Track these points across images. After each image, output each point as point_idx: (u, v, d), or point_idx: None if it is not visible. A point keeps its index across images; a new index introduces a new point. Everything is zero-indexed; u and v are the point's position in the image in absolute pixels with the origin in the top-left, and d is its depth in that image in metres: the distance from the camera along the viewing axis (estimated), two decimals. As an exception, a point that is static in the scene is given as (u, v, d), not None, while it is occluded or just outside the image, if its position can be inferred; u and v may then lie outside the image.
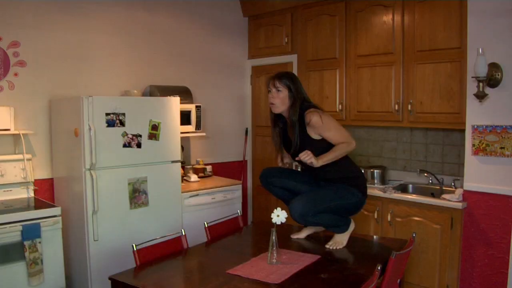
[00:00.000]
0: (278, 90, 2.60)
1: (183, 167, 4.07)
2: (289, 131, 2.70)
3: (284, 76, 2.63)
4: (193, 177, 4.07)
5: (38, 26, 3.45)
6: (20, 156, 3.29)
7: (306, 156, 2.45)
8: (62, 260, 3.00)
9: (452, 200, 3.19)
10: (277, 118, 2.73)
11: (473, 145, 3.12)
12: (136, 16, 4.06)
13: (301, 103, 2.61)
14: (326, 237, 2.75)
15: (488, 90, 2.98)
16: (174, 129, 3.52)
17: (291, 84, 2.60)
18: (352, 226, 2.70)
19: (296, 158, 2.52)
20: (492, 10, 2.99)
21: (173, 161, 3.53)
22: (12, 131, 3.24)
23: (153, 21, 4.17)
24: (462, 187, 3.26)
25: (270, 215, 2.29)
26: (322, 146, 2.56)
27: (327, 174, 2.65)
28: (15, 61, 3.34)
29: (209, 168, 4.43)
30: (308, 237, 2.79)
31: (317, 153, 2.51)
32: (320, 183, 2.73)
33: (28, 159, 3.33)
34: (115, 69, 3.92)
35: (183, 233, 2.66)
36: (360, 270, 2.23)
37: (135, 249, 2.37)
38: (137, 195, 3.31)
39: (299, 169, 4.01)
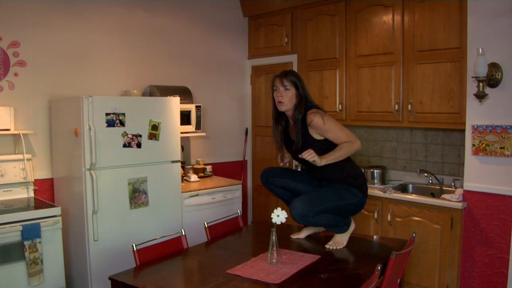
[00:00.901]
0: (286, 89, 2.59)
1: (183, 167, 4.07)
2: (291, 130, 2.70)
3: (291, 74, 2.62)
4: (193, 177, 4.07)
5: (38, 26, 3.45)
6: (20, 156, 3.29)
7: (309, 155, 2.45)
8: (62, 260, 3.00)
9: (452, 200, 3.19)
10: (279, 116, 2.73)
11: (473, 145, 3.12)
12: (136, 16, 4.06)
13: (305, 102, 2.61)
14: (326, 237, 2.75)
15: (488, 90, 2.98)
16: (174, 129, 3.52)
17: (298, 82, 2.61)
18: (352, 227, 2.70)
19: (300, 155, 2.51)
20: (492, 10, 2.99)
21: (173, 161, 3.53)
22: (12, 131, 3.24)
23: (153, 21, 4.17)
24: (462, 187, 3.26)
25: (270, 215, 2.29)
26: (324, 146, 2.56)
27: (328, 175, 2.65)
28: (15, 61, 3.35)
29: (209, 168, 4.43)
30: (308, 237, 2.79)
31: (319, 153, 2.51)
32: (321, 183, 2.73)
33: (28, 159, 3.33)
34: (115, 69, 3.92)
35: (183, 233, 2.67)
36: (360, 270, 2.23)
37: (135, 249, 2.37)
38: (137, 195, 3.31)
39: (299, 169, 4.02)
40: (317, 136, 2.58)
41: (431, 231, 3.28)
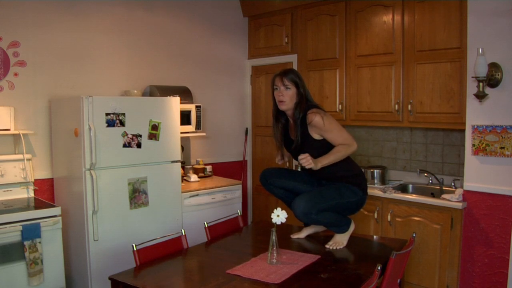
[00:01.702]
0: (287, 88, 2.60)
1: (183, 167, 4.07)
2: (290, 129, 2.70)
3: (291, 73, 2.63)
4: (193, 177, 4.07)
5: (38, 26, 3.45)
6: (20, 156, 3.29)
7: (305, 161, 2.45)
8: (62, 260, 3.00)
9: (452, 200, 3.19)
10: (279, 115, 2.73)
11: (473, 145, 3.12)
12: (136, 16, 4.06)
13: (305, 101, 2.61)
14: (326, 237, 2.75)
15: (488, 90, 2.98)
16: (174, 129, 3.52)
17: (299, 81, 2.61)
18: (352, 227, 2.70)
19: (298, 158, 2.51)
20: (492, 10, 2.99)
21: (173, 161, 3.53)
22: (12, 131, 3.24)
23: (153, 21, 4.17)
24: (462, 187, 3.26)
25: (270, 215, 2.29)
26: (323, 146, 2.57)
27: (328, 174, 2.65)
28: (15, 61, 3.35)
29: (209, 168, 4.43)
30: (308, 237, 2.79)
31: (317, 153, 2.52)
32: (320, 182, 2.73)
33: (28, 159, 3.33)
34: (115, 69, 3.92)
35: (183, 233, 2.67)
36: (360, 270, 2.23)
37: (135, 249, 2.37)
38: (137, 195, 3.31)
39: (299, 169, 4.02)
40: (316, 136, 2.58)
41: (431, 231, 3.28)
